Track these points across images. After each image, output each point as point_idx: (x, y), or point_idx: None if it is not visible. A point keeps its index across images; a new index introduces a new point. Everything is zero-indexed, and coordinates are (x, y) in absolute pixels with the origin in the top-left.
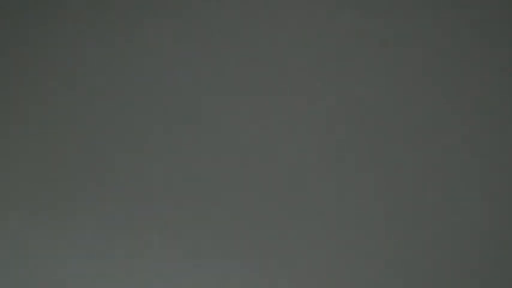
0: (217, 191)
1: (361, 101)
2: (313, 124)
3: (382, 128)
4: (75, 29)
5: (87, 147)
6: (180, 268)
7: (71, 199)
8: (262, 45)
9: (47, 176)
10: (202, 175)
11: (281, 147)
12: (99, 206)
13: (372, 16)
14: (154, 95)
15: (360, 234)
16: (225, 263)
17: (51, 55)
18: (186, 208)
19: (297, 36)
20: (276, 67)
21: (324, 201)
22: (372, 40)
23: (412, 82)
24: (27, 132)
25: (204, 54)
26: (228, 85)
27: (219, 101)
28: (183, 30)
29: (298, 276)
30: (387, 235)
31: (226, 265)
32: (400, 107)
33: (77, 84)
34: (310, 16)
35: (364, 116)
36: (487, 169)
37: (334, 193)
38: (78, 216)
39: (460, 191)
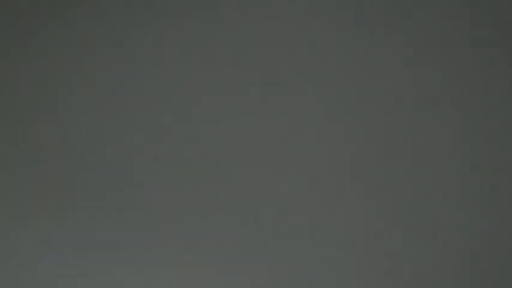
0: (216, 191)
1: (361, 101)
2: (313, 124)
3: (383, 128)
4: (75, 29)
5: (85, 147)
6: (178, 270)
7: (67, 199)
8: (261, 45)
9: (44, 176)
10: (201, 174)
11: (280, 148)
12: (96, 206)
13: (372, 15)
14: (152, 96)
15: (362, 235)
16: (224, 264)
17: (51, 56)
18: (185, 209)
19: (297, 36)
20: (275, 67)
21: (325, 203)
22: (373, 40)
23: (413, 82)
24: (25, 133)
25: (203, 54)
26: (226, 85)
27: (217, 101)
28: (182, 29)
29: (299, 277)
30: (389, 236)
31: (225, 266)
32: (401, 107)
33: (76, 84)
34: (311, 15)
35: (364, 116)
36: (487, 169)
37: (335, 194)
38: (74, 216)
39: (459, 191)
